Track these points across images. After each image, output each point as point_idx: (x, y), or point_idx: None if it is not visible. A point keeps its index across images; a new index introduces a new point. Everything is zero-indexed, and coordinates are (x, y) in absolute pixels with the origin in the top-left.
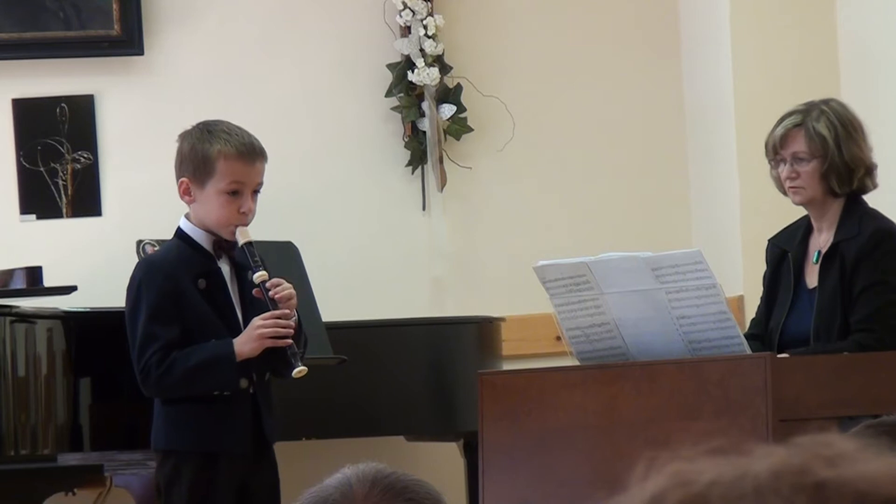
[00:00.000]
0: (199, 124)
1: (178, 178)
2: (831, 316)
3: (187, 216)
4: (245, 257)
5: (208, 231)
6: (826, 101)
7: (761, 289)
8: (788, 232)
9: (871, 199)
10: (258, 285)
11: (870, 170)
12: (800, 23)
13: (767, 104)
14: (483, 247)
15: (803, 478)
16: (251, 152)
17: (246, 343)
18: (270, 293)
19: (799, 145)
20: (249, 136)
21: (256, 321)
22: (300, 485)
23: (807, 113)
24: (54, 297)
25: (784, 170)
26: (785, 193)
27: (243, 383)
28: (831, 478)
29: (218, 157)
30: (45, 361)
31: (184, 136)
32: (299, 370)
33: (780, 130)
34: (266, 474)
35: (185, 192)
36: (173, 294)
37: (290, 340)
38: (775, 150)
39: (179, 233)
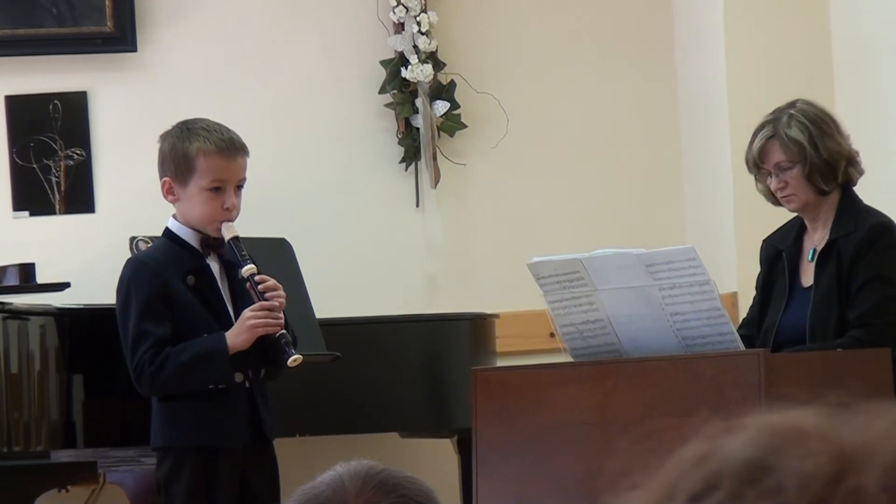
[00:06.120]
0: (178, 123)
1: (160, 178)
2: (827, 313)
3: (175, 215)
4: (232, 253)
5: (195, 229)
6: (792, 104)
7: (755, 285)
8: (783, 231)
9: (867, 193)
10: (247, 279)
11: (851, 159)
12: (793, 20)
13: (761, 101)
14: (477, 243)
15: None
16: (231, 148)
17: (238, 335)
18: (260, 286)
19: (778, 155)
20: (229, 131)
21: (247, 312)
22: (293, 482)
23: (777, 121)
24: (47, 293)
25: (773, 182)
26: (776, 204)
27: (238, 378)
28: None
29: (198, 154)
30: (38, 358)
31: (164, 136)
32: (294, 358)
33: (756, 145)
34: (266, 467)
35: (168, 192)
36: (163, 291)
37: (282, 329)
38: (757, 166)
39: (167, 232)
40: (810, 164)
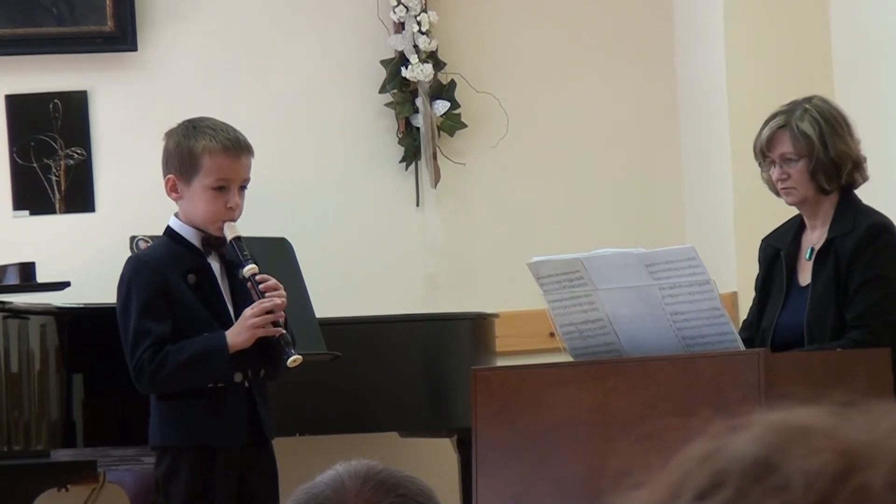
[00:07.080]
0: (184, 121)
1: (164, 175)
2: (824, 313)
3: (177, 214)
4: (234, 252)
5: (197, 228)
6: (809, 99)
7: (754, 286)
8: (781, 230)
9: (867, 196)
10: (248, 279)
11: (857, 163)
12: (793, 20)
13: (761, 101)
14: (477, 243)
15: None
16: (236, 147)
17: (238, 334)
18: (261, 286)
19: (785, 146)
20: (235, 131)
21: (247, 312)
22: (293, 481)
23: (790, 113)
24: (47, 292)
25: (775, 172)
26: (778, 195)
27: (238, 377)
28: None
29: (203, 152)
30: (38, 357)
31: (169, 134)
32: (294, 359)
33: (765, 133)
34: (264, 466)
35: (171, 189)
36: (163, 290)
37: (282, 330)
38: (763, 154)
39: (168, 230)
40: (816, 161)
